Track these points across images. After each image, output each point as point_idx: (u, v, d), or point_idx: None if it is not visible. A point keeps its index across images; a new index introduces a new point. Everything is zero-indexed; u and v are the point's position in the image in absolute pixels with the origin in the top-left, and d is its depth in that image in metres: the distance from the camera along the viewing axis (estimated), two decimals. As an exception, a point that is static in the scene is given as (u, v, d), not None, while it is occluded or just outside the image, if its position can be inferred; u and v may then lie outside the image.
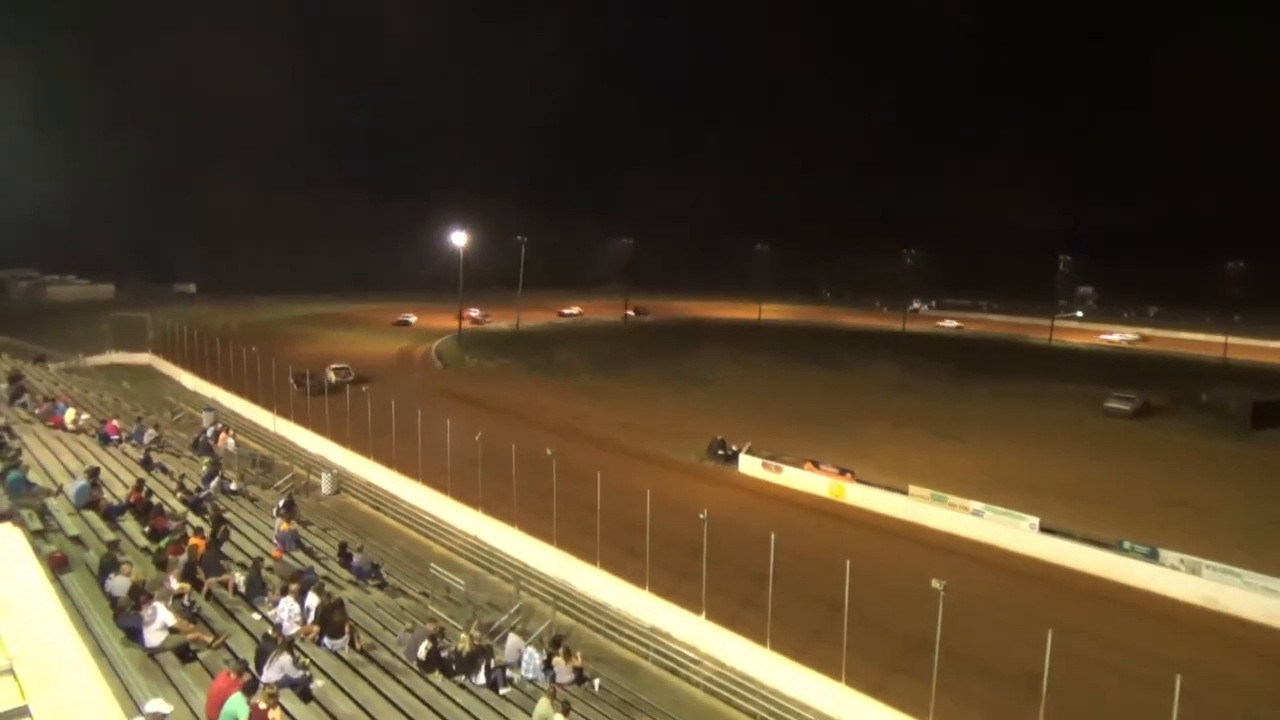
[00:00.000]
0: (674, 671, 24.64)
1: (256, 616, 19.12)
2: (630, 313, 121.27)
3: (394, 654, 19.33)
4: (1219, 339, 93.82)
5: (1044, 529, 35.06)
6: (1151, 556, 32.10)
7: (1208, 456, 51.53)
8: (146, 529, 22.16)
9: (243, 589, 20.10)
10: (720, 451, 47.12)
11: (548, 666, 20.80)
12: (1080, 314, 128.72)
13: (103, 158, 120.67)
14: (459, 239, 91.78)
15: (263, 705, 13.30)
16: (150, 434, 35.21)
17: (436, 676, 18.59)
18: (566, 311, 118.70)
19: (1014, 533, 35.48)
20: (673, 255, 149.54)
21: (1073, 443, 53.73)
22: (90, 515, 22.39)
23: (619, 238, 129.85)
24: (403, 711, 16.41)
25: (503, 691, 18.95)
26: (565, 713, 16.59)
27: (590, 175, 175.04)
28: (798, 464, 43.62)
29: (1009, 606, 27.17)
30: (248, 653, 16.43)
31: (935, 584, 20.32)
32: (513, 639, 21.64)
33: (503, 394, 63.79)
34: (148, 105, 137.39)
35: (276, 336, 79.26)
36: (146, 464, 30.80)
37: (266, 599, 19.73)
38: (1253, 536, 35.71)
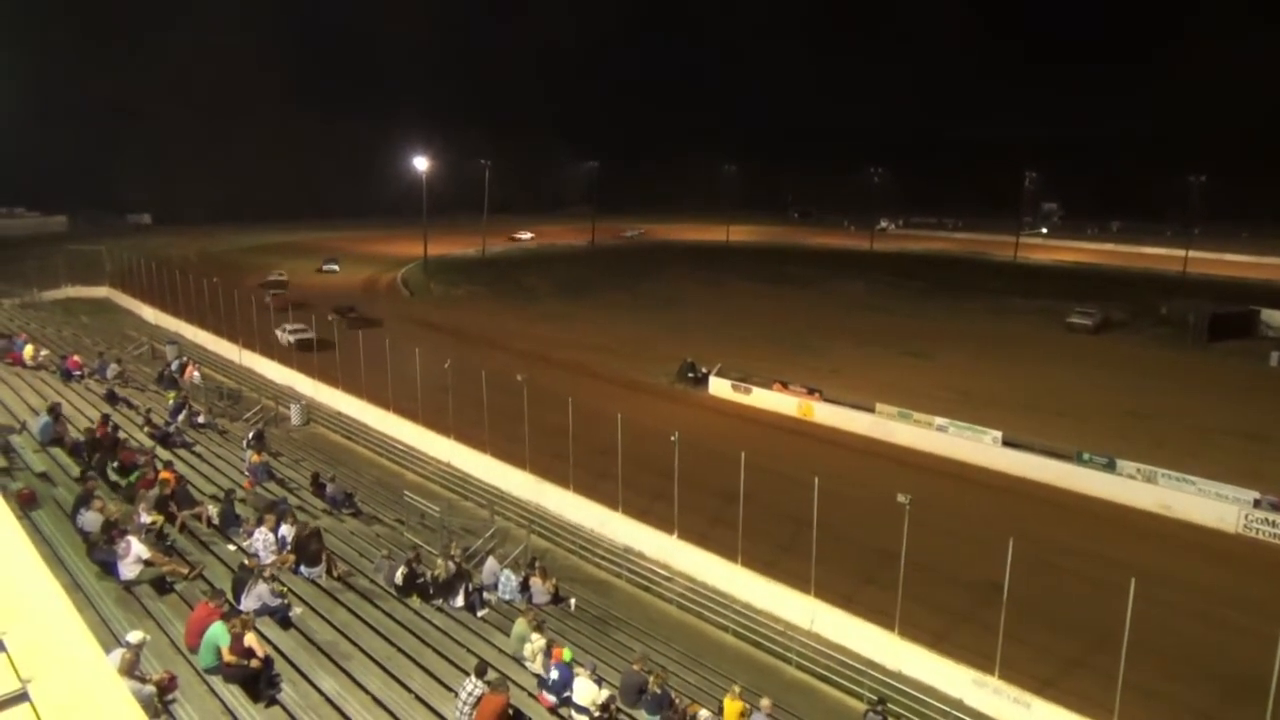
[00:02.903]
0: (647, 589, 25.23)
1: (232, 548, 19.22)
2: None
3: (371, 580, 19.58)
4: (1179, 253, 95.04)
5: (1006, 442, 35.91)
6: (1109, 466, 33.07)
7: (1166, 368, 52.71)
8: (114, 464, 22.02)
9: (216, 521, 20.15)
10: (690, 374, 47.41)
11: (524, 588, 21.19)
12: (1045, 230, 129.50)
13: (50, 87, 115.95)
14: (421, 164, 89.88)
15: (241, 632, 13.46)
16: (113, 368, 34.71)
17: (414, 600, 18.88)
18: (518, 236, 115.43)
19: (977, 447, 36.30)
20: (641, 177, 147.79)
21: (1036, 357, 54.68)
22: (56, 451, 22.19)
23: (585, 160, 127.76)
24: (382, 635, 16.69)
25: (480, 613, 19.31)
26: (542, 631, 16.97)
27: (557, 97, 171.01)
28: (766, 384, 44.06)
29: (972, 518, 27.92)
30: (224, 583, 16.56)
31: (901, 498, 20.82)
32: (489, 562, 21.97)
33: (471, 320, 63.44)
34: (95, 32, 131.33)
35: (237, 267, 77.77)
36: (111, 399, 30.42)
37: (241, 530, 19.81)
38: (1206, 445, 36.83)
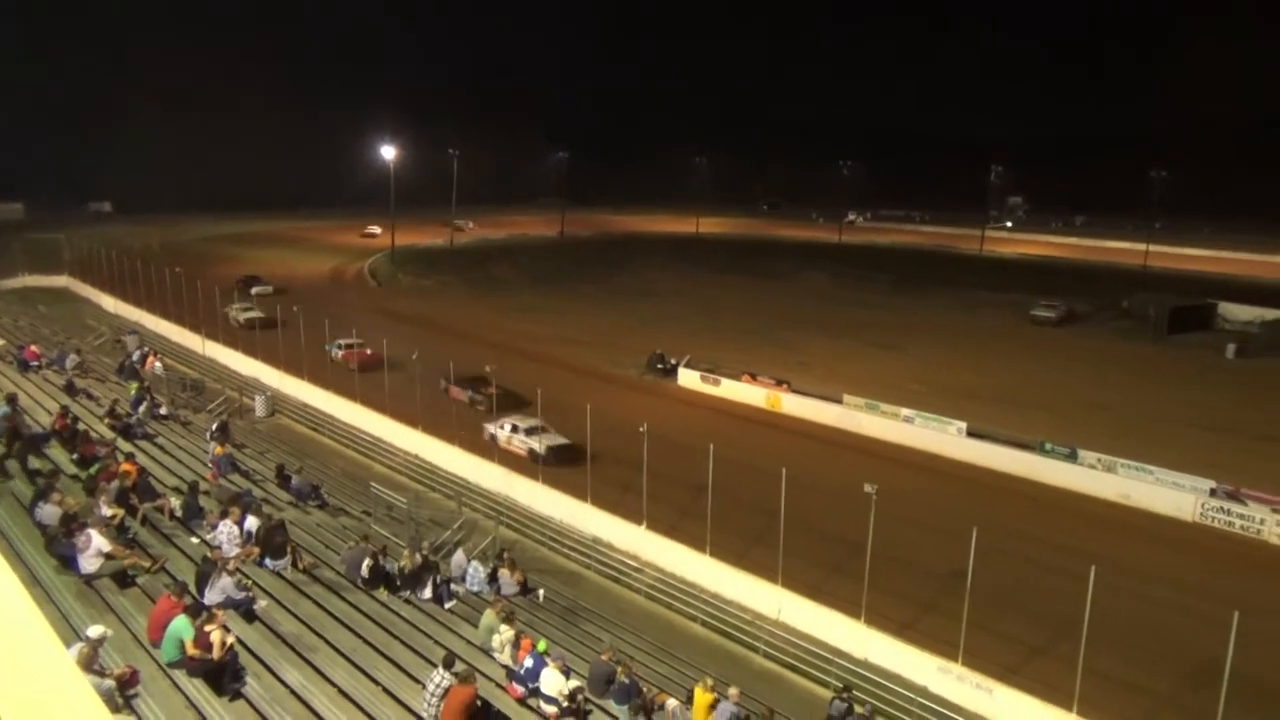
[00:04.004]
0: (616, 580, 25.28)
1: (195, 540, 18.98)
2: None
3: (338, 573, 19.43)
4: (1141, 247, 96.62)
5: (971, 433, 36.35)
6: (1071, 457, 33.61)
7: (1127, 361, 53.61)
8: (74, 456, 21.64)
9: (179, 513, 19.88)
10: (659, 365, 47.47)
11: (493, 579, 21.14)
12: (1010, 224, 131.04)
13: (4, 71, 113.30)
14: (388, 153, 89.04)
15: (207, 627, 13.31)
16: (72, 359, 34.09)
17: (381, 593, 18.77)
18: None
19: (943, 437, 36.72)
20: (610, 168, 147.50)
21: (1001, 350, 55.40)
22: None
23: (556, 151, 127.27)
24: (348, 627, 16.59)
25: (448, 605, 19.24)
26: (510, 622, 16.94)
27: (528, 88, 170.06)
28: (735, 376, 44.24)
29: (937, 507, 28.21)
30: (188, 576, 16.36)
31: (868, 488, 21.01)
32: (457, 554, 21.89)
33: (440, 311, 63.03)
34: (53, 16, 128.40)
35: (202, 256, 76.67)
36: (70, 390, 29.89)
37: (204, 522, 19.57)
38: (1165, 436, 37.51)
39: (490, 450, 31.05)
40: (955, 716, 18.90)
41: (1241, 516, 29.25)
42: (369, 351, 41.55)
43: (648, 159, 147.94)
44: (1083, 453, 33.45)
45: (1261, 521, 28.80)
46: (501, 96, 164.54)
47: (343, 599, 18.05)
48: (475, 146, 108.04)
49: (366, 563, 18.83)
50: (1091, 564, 17.67)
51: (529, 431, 32.42)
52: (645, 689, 16.18)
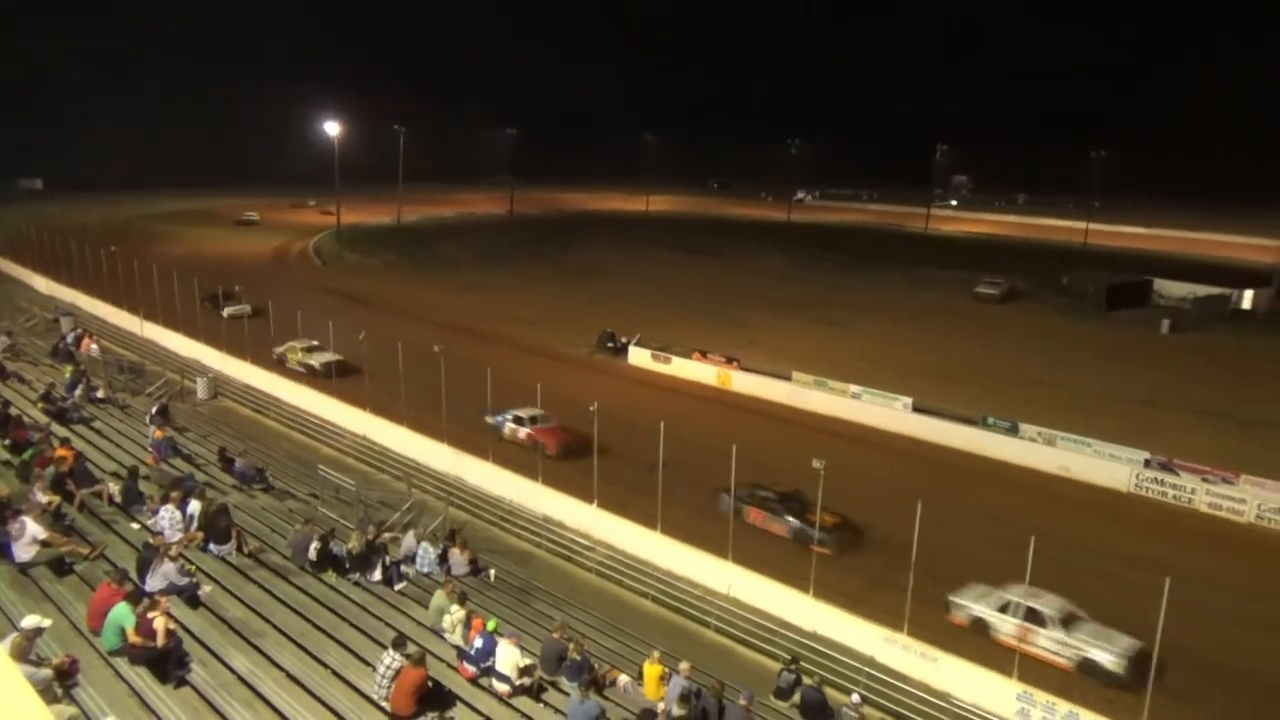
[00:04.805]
0: (567, 558, 25.32)
1: (135, 526, 18.59)
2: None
3: (285, 556, 19.17)
4: (1081, 225, 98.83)
5: (917, 408, 37.00)
6: (1012, 430, 34.40)
7: (1067, 336, 54.95)
8: (7, 441, 21.00)
9: (119, 499, 19.44)
10: (609, 344, 47.44)
11: (443, 560, 21.04)
12: (955, 202, 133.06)
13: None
14: (332, 129, 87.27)
15: (149, 614, 13.06)
16: (3, 341, 32.99)
17: (330, 576, 18.58)
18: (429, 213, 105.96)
19: (889, 413, 37.32)
20: (558, 146, 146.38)
21: (946, 326, 56.35)
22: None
23: (504, 128, 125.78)
24: (296, 611, 16.41)
25: (398, 587, 19.12)
26: (462, 603, 16.90)
27: (475, 66, 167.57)
28: (686, 354, 44.40)
29: (884, 482, 28.64)
30: (128, 563, 16.03)
31: (816, 464, 21.29)
32: (407, 535, 21.73)
33: (387, 291, 62.15)
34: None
35: (140, 235, 74.63)
36: (0, 373, 28.95)
37: (145, 508, 19.16)
38: (1103, 409, 38.57)
39: (440, 432, 30.75)
40: (901, 684, 19.34)
41: (1174, 487, 30.27)
42: (560, 429, 31.43)
43: (598, 138, 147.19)
44: (1024, 426, 34.26)
45: (1192, 491, 29.85)
46: (450, 74, 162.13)
47: (290, 583, 17.84)
48: (422, 124, 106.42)
49: (314, 545, 18.60)
50: (1031, 535, 18.15)
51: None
52: (596, 665, 16.28)
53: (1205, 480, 30.00)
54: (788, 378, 40.82)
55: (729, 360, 42.91)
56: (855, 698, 17.11)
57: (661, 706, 14.90)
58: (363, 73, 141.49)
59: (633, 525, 25.23)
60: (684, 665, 15.99)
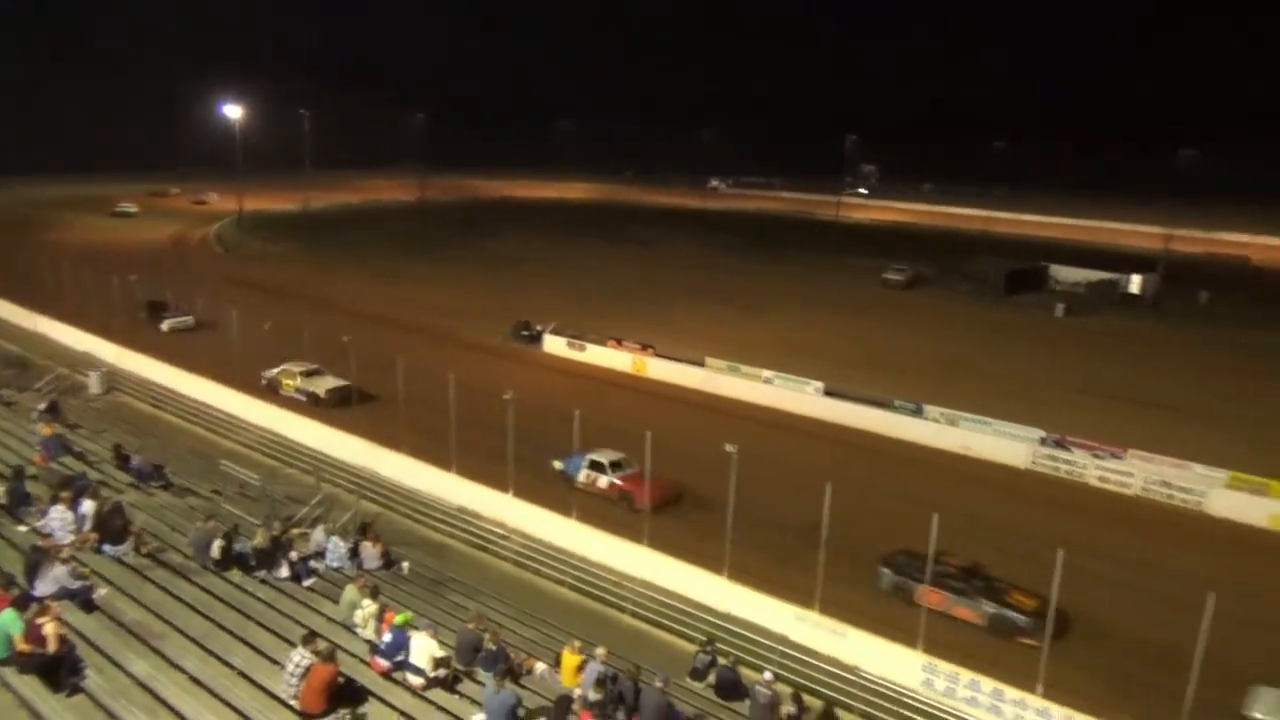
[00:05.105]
0: (483, 549, 25.13)
1: (23, 529, 17.71)
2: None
3: (186, 556, 18.51)
4: (983, 213, 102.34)
5: (828, 392, 37.83)
6: (918, 412, 35.50)
7: (969, 321, 56.94)
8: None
9: (4, 500, 18.48)
10: (524, 332, 47.12)
11: (354, 554, 20.63)
12: (864, 191, 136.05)
13: None
14: (234, 112, 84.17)
15: (38, 620, 12.48)
16: None
17: (234, 574, 18.02)
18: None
19: (801, 397, 38.06)
20: (473, 133, 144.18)
21: (855, 312, 57.75)
22: None
23: (415, 113, 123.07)
24: (199, 612, 15.90)
25: (307, 583, 18.68)
26: (374, 597, 16.61)
27: (388, 50, 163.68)
28: (600, 342, 44.42)
29: (795, 464, 29.10)
30: (15, 567, 15.27)
31: (729, 448, 21.59)
32: (316, 530, 21.23)
33: (293, 279, 60.42)
34: None
35: (26, 223, 70.74)
36: None
37: (33, 509, 18.26)
38: (1002, 390, 40.10)
39: (350, 424, 30.07)
40: (812, 660, 19.82)
41: (1067, 463, 31.73)
42: (653, 480, 24.54)
43: (513, 124, 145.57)
44: (928, 408, 35.38)
45: (1084, 467, 31.36)
46: (359, 58, 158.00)
47: (192, 583, 17.25)
48: (328, 109, 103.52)
49: (217, 543, 18.01)
50: (934, 511, 18.78)
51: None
52: (513, 654, 16.22)
53: (1095, 456, 31.53)
54: (701, 364, 41.23)
55: (644, 347, 43.10)
56: (767, 675, 17.44)
57: (578, 692, 14.97)
58: (270, 56, 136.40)
59: (549, 513, 25.16)
60: (600, 651, 16.05)
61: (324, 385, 34.29)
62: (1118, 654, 19.99)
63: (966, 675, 18.45)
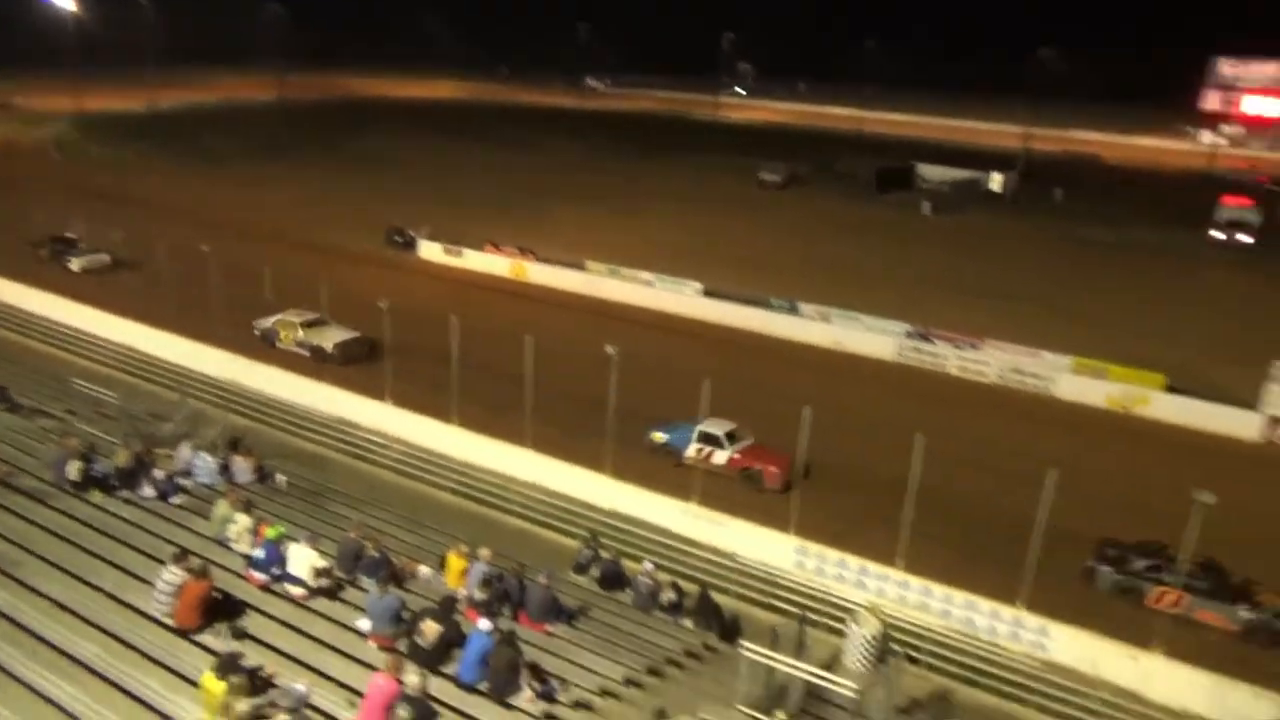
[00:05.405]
0: (362, 458, 24.82)
1: None
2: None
3: (42, 480, 17.55)
4: (855, 112, 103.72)
5: (706, 293, 38.40)
6: (793, 310, 36.56)
7: (842, 219, 58.48)
8: None
9: None
10: (397, 238, 45.70)
11: (224, 469, 20.00)
12: (741, 90, 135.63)
13: None
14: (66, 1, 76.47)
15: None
16: None
17: (96, 495, 17.22)
18: None
19: (681, 298, 38.57)
20: (334, 27, 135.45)
21: (732, 213, 58.34)
22: None
23: (269, 3, 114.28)
24: (61, 536, 15.17)
25: (175, 501, 18.02)
26: (248, 511, 16.21)
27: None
28: (478, 247, 43.54)
29: (677, 364, 29.58)
30: None
31: (609, 350, 21.77)
32: (182, 447, 20.41)
33: (144, 187, 56.35)
34: None
35: None
36: None
37: None
38: (871, 286, 41.55)
39: (211, 335, 28.72)
40: (694, 550, 20.67)
41: (931, 354, 33.45)
42: (778, 452, 23.40)
43: (375, 16, 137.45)
44: (803, 305, 36.45)
45: (946, 358, 33.16)
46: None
47: (49, 507, 16.39)
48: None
49: (74, 464, 17.11)
50: (806, 403, 19.55)
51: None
52: (396, 559, 16.22)
53: (956, 347, 33.32)
54: (582, 267, 41.04)
55: (523, 252, 42.51)
56: (648, 565, 18.12)
57: (464, 593, 15.16)
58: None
59: (429, 420, 24.95)
60: (484, 552, 16.21)
61: (333, 338, 29.70)
62: (973, 529, 21.48)
63: (834, 554, 19.67)
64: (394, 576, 15.03)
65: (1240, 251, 54.32)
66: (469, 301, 35.33)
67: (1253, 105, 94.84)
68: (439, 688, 11.70)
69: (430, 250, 44.42)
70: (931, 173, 70.84)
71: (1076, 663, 17.52)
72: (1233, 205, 57.57)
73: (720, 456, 23.89)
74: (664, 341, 34.10)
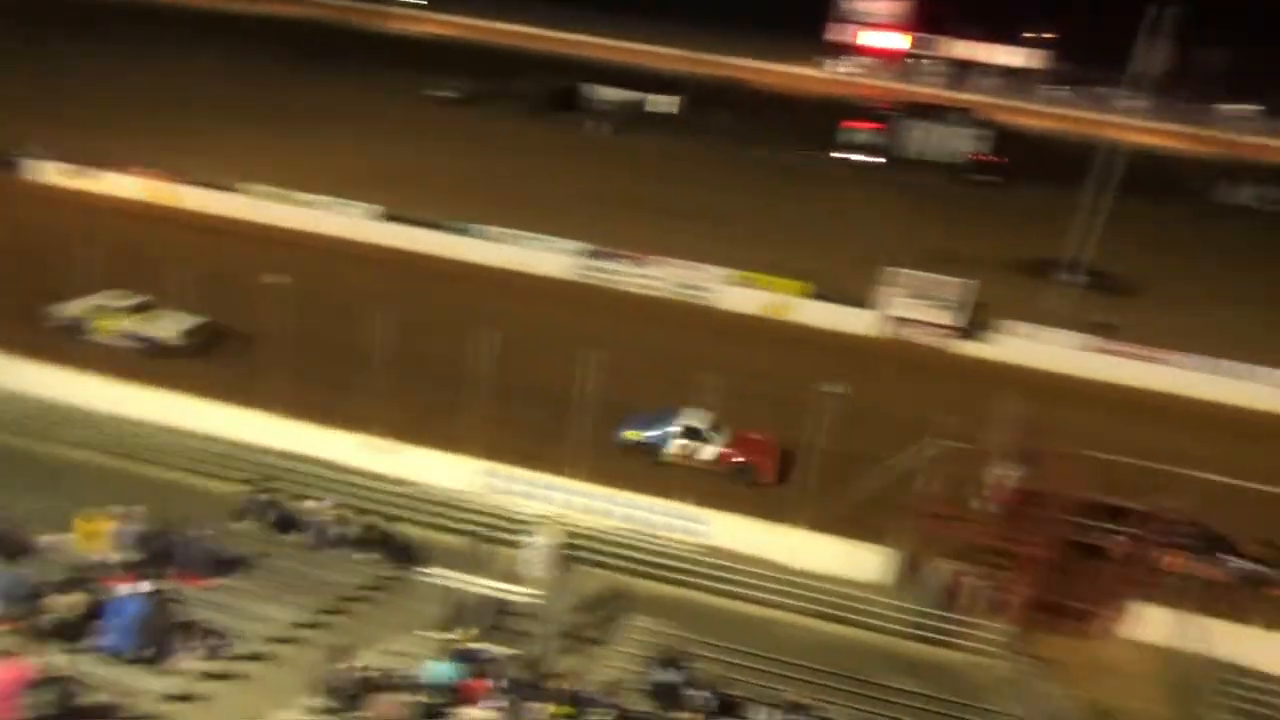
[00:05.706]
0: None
1: None
2: None
3: None
4: (528, 29, 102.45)
5: (385, 216, 36.74)
6: (470, 232, 36.17)
7: (517, 138, 58.43)
8: None
9: None
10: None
11: None
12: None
13: None
14: None
15: None
16: None
17: None
18: None
19: (355, 222, 36.62)
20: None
21: (408, 131, 55.99)
22: None
23: None
24: None
25: None
26: None
27: None
28: (114, 167, 38.02)
29: (353, 290, 27.83)
30: None
31: (269, 279, 20.24)
32: None
33: None
34: None
35: None
36: None
37: None
38: (546, 206, 41.81)
39: None
40: (373, 484, 20.16)
41: (606, 271, 34.83)
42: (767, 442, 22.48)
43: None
44: (481, 228, 36.18)
45: (620, 274, 34.76)
46: None
47: None
48: None
49: None
50: (495, 329, 19.46)
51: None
52: (18, 532, 14.17)
53: (635, 264, 34.89)
54: (242, 191, 37.46)
55: (171, 174, 37.79)
56: (326, 501, 17.45)
57: (105, 558, 13.65)
58: None
59: (48, 368, 21.76)
60: (138, 509, 14.73)
61: (175, 326, 24.50)
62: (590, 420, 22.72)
63: (523, 473, 20.22)
64: (16, 550, 13.21)
65: (873, 170, 61.57)
66: (108, 230, 30.48)
67: (869, 39, 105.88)
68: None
69: (44, 171, 38.14)
70: (606, 94, 72.40)
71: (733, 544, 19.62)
72: (857, 129, 65.14)
73: (708, 451, 22.18)
74: (339, 268, 32.26)
